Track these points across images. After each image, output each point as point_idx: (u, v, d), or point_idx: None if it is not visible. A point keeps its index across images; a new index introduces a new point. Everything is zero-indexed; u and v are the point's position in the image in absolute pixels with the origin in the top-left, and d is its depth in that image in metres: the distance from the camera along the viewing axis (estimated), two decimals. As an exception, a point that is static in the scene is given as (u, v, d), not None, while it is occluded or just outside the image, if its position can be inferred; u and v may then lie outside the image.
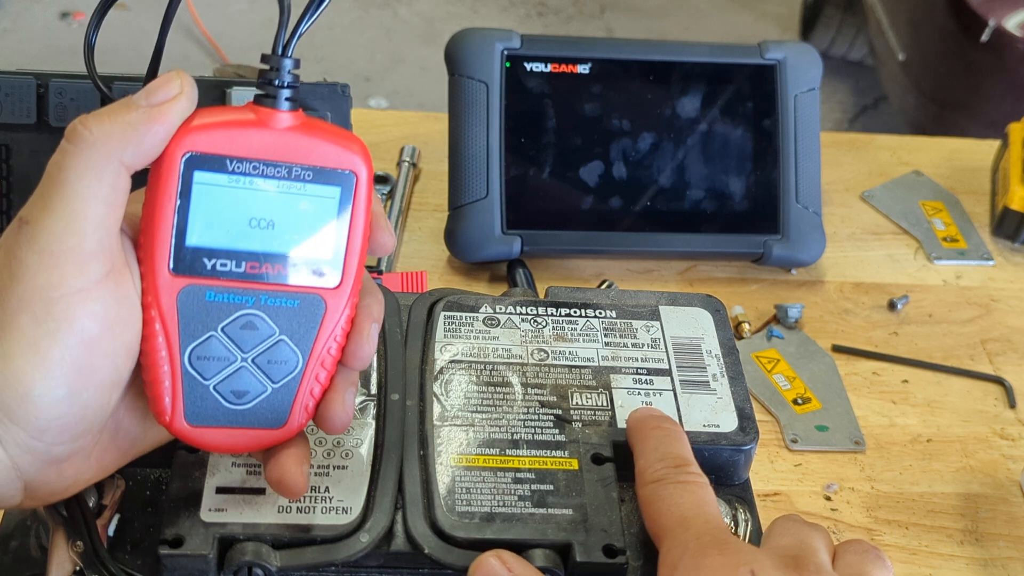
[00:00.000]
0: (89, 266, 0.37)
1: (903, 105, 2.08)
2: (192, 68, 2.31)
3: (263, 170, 0.40)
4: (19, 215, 0.37)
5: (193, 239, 0.40)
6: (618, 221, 0.84)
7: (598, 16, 2.77)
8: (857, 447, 0.74)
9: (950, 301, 0.88)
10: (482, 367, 0.53)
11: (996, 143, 1.02)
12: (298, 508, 0.45)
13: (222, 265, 0.40)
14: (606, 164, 0.84)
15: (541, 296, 0.59)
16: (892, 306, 0.87)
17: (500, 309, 0.56)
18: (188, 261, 0.40)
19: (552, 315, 0.57)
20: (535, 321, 0.56)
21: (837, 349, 0.82)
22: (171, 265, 0.40)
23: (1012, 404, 0.79)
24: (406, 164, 0.91)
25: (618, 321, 0.56)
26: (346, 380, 0.43)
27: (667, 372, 0.54)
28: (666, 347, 0.55)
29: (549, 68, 0.84)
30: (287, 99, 0.40)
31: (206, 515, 0.44)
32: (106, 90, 0.44)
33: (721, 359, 0.55)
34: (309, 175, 0.40)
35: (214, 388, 0.41)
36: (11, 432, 0.37)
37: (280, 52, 0.40)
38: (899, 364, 0.82)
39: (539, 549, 0.45)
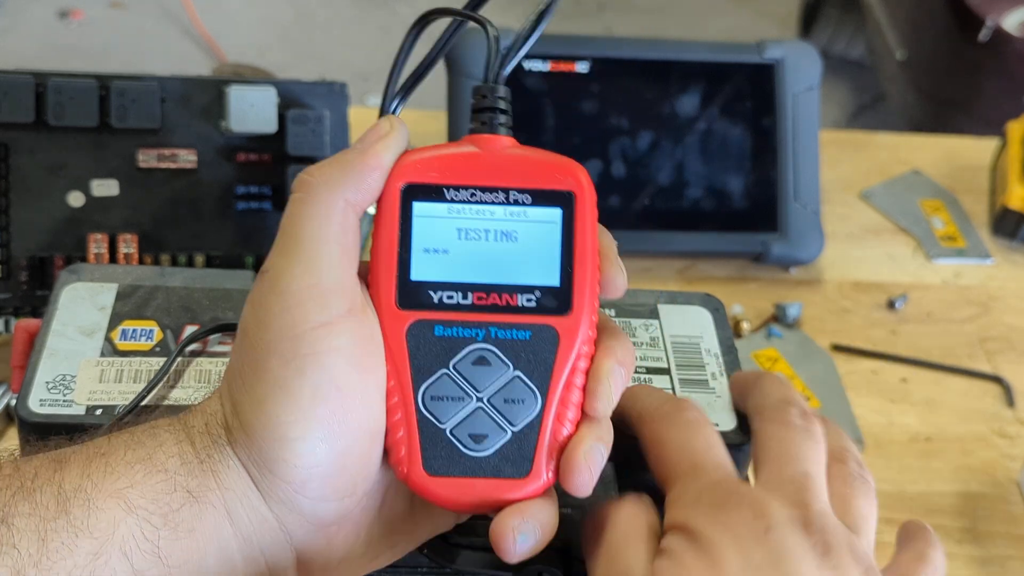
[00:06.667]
0: (329, 302, 0.37)
1: (902, 104, 2.08)
2: (190, 67, 2.31)
3: (480, 196, 0.39)
4: (261, 268, 0.38)
5: (417, 272, 0.39)
6: (617, 220, 0.83)
7: (597, 14, 2.77)
8: (856, 446, 0.74)
9: (949, 300, 0.88)
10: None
11: (995, 142, 1.02)
12: None
13: (448, 297, 0.39)
14: (605, 163, 0.84)
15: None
16: (891, 305, 0.87)
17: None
18: (414, 295, 0.39)
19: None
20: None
21: (836, 348, 0.82)
22: (397, 300, 0.38)
23: (1011, 403, 0.79)
24: (405, 163, 0.90)
25: (617, 319, 0.56)
26: (591, 432, 0.39)
27: (666, 371, 0.54)
28: (665, 346, 0.55)
29: (548, 67, 0.84)
30: (500, 124, 0.40)
31: None
32: None
33: (720, 358, 0.55)
34: (528, 198, 0.39)
35: (450, 432, 0.38)
36: (274, 486, 0.37)
37: (493, 80, 0.41)
38: (898, 363, 0.82)
39: None
